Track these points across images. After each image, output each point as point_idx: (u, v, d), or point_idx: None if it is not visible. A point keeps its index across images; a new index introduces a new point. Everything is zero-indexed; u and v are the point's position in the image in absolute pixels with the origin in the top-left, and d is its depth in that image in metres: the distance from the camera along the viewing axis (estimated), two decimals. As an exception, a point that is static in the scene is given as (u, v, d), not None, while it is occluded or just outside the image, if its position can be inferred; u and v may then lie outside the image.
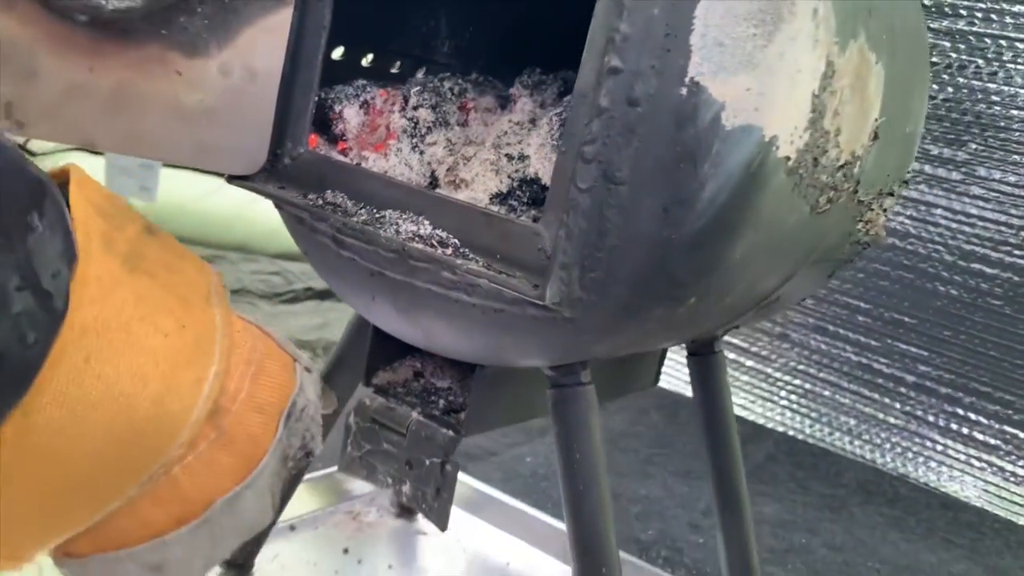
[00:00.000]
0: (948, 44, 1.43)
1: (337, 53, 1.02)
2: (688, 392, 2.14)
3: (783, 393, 1.94)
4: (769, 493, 1.71)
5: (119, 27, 0.75)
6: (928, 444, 1.76)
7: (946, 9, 1.41)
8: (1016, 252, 1.48)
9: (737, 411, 2.06)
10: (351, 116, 0.90)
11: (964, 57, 1.39)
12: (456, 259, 0.71)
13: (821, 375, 1.87)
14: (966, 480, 1.74)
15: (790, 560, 1.47)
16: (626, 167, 0.63)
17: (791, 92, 0.64)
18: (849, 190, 0.81)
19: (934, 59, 1.40)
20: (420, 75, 0.98)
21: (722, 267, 0.71)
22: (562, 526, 1.37)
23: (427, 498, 0.86)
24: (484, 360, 0.82)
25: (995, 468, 1.70)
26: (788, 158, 0.66)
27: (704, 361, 1.08)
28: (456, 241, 0.74)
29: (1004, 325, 1.55)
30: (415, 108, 0.90)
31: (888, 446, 1.80)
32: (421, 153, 0.88)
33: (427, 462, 0.85)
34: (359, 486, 1.48)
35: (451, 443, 0.84)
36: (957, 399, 1.70)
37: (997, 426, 1.67)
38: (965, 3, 1.39)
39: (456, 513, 1.43)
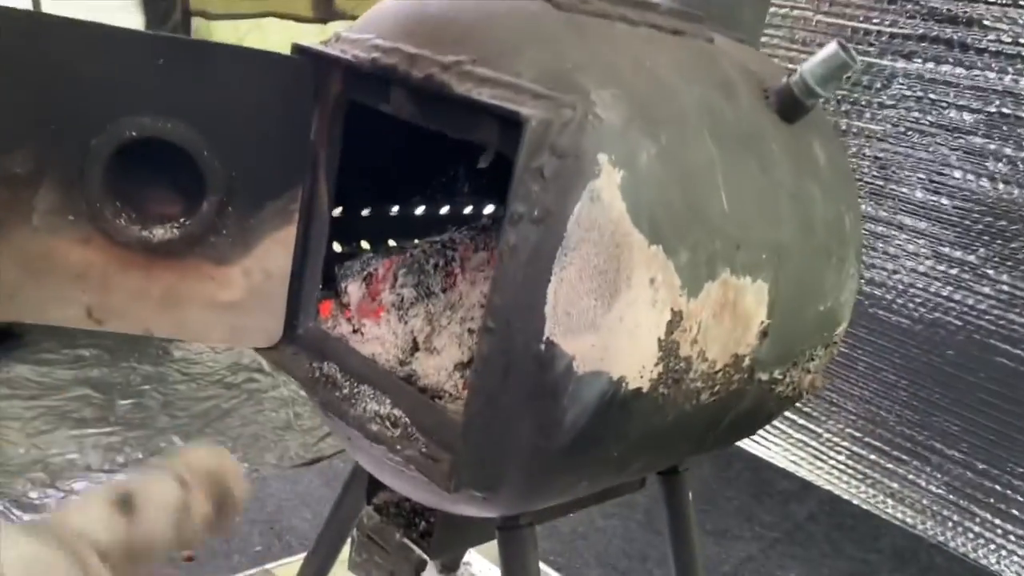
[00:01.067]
0: (955, 159, 1.47)
1: (365, 212, 1.24)
2: (744, 445, 2.25)
3: (831, 453, 2.01)
4: (799, 556, 1.81)
5: (165, 250, 1.00)
6: (968, 515, 1.80)
7: (950, 126, 1.46)
8: (1021, 325, 1.51)
9: (787, 467, 2.15)
10: (353, 291, 1.12)
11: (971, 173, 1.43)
12: (398, 443, 0.91)
13: (866, 439, 1.94)
14: (1003, 554, 1.77)
15: (797, 631, 1.59)
16: (506, 396, 0.82)
17: (632, 343, 0.79)
18: (742, 378, 0.95)
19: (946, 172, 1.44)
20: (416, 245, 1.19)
21: (603, 460, 0.88)
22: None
23: (406, 603, 1.08)
24: (437, 508, 1.03)
25: (1032, 546, 1.72)
26: (640, 388, 0.82)
27: (669, 480, 1.23)
28: (407, 420, 0.95)
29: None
30: (401, 287, 1.11)
31: (929, 513, 1.85)
32: (405, 323, 1.09)
33: (404, 576, 1.07)
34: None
35: (421, 564, 1.06)
36: (995, 476, 1.73)
37: (1034, 506, 1.69)
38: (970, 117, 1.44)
39: (493, 572, 1.65)
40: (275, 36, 2.41)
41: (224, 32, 2.44)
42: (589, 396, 0.80)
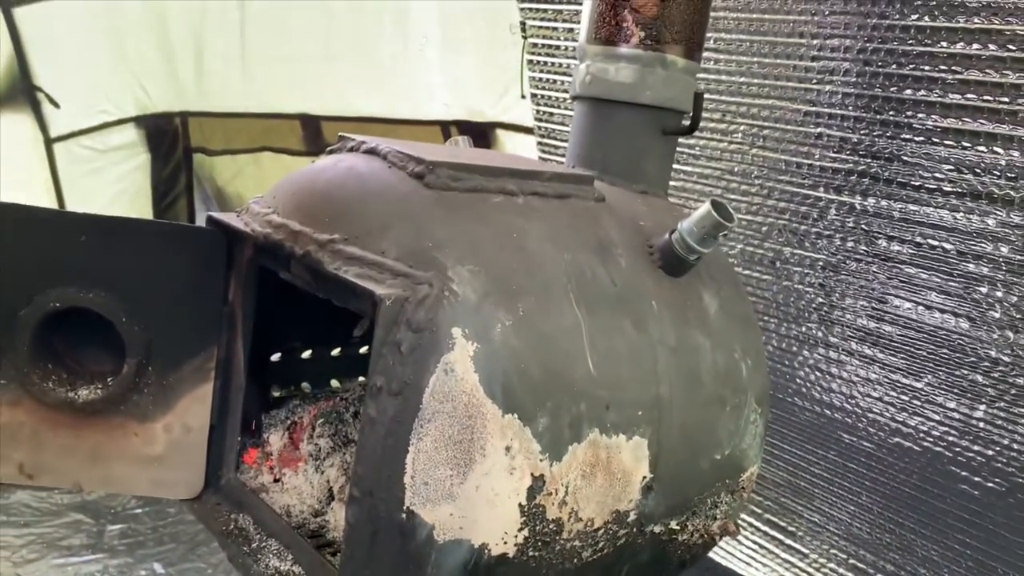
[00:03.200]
0: (892, 288, 1.49)
1: (275, 357, 1.28)
2: (730, 565, 2.19)
3: (818, 575, 1.96)
4: None
5: (91, 409, 1.06)
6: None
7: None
8: (976, 453, 1.48)
9: (775, 590, 2.09)
10: (275, 440, 1.16)
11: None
12: (290, 603, 0.94)
13: (851, 562, 1.88)
14: None
15: None
16: (374, 564, 0.84)
17: (491, 511, 0.82)
18: (630, 532, 0.95)
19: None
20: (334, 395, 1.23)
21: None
22: None
23: None
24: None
25: None
26: (506, 554, 0.83)
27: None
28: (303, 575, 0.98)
29: (1005, 544, 1.52)
30: (319, 436, 1.14)
31: (917, 642, 1.77)
32: (322, 472, 1.12)
33: None
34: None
35: None
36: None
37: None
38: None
39: None
40: (270, 169, 2.55)
41: (224, 166, 2.59)
42: (452, 564, 0.82)
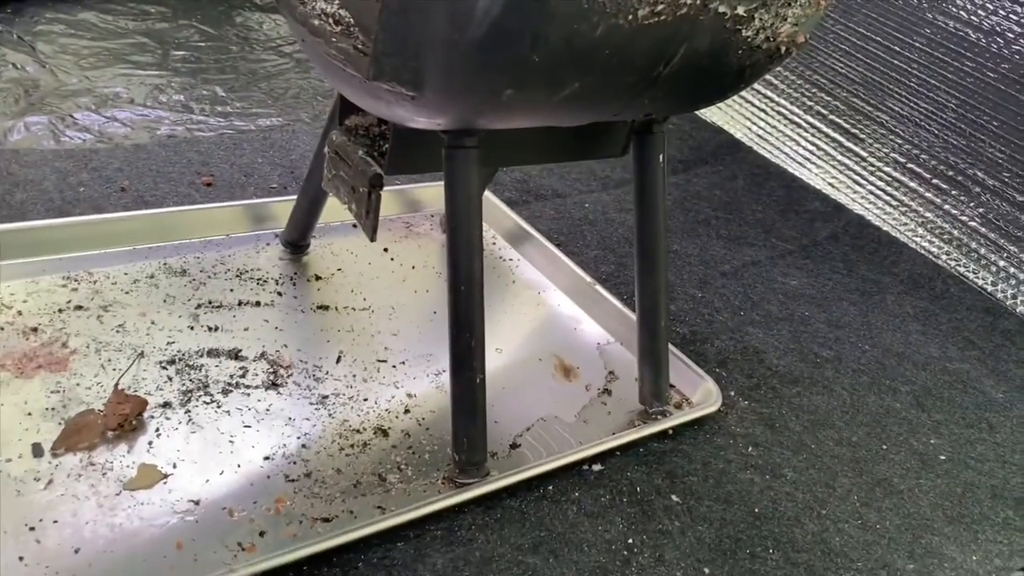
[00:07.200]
0: None
1: None
2: (784, 165, 2.17)
3: (871, 178, 1.92)
4: (808, 268, 1.80)
5: None
6: (996, 249, 1.72)
7: None
8: None
9: (823, 188, 2.08)
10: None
11: None
12: (334, 37, 0.93)
13: (909, 165, 1.83)
14: (1021, 289, 1.71)
15: (778, 327, 1.61)
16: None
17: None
18: (694, 3, 0.90)
19: None
20: None
21: (525, 64, 0.87)
22: (567, 261, 1.61)
23: (362, 216, 1.14)
24: (386, 118, 1.05)
25: (1052, 284, 1.65)
26: (558, -19, 0.78)
27: (641, 140, 1.22)
28: (350, 19, 0.95)
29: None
30: None
31: (956, 244, 1.78)
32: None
33: (361, 189, 1.12)
34: (428, 204, 1.79)
35: (376, 177, 1.10)
36: (1031, 210, 1.63)
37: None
38: None
39: (498, 241, 1.72)
40: None
41: None
42: (500, -19, 0.77)
